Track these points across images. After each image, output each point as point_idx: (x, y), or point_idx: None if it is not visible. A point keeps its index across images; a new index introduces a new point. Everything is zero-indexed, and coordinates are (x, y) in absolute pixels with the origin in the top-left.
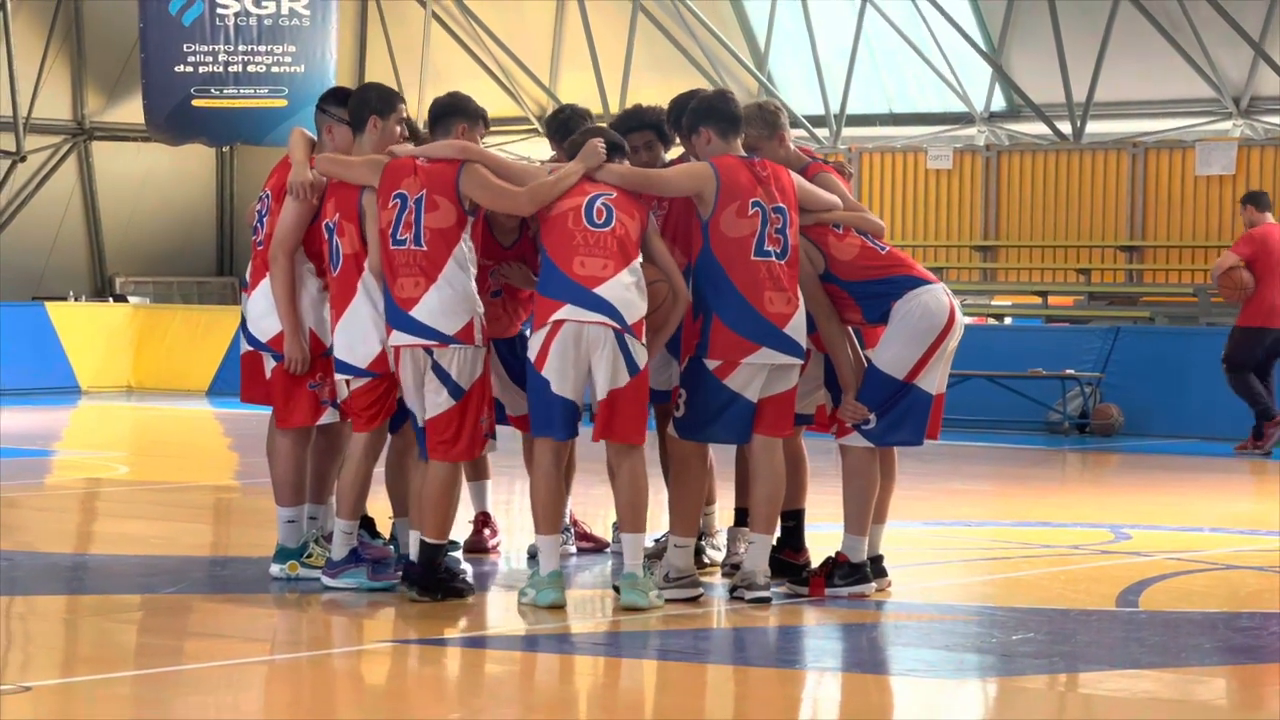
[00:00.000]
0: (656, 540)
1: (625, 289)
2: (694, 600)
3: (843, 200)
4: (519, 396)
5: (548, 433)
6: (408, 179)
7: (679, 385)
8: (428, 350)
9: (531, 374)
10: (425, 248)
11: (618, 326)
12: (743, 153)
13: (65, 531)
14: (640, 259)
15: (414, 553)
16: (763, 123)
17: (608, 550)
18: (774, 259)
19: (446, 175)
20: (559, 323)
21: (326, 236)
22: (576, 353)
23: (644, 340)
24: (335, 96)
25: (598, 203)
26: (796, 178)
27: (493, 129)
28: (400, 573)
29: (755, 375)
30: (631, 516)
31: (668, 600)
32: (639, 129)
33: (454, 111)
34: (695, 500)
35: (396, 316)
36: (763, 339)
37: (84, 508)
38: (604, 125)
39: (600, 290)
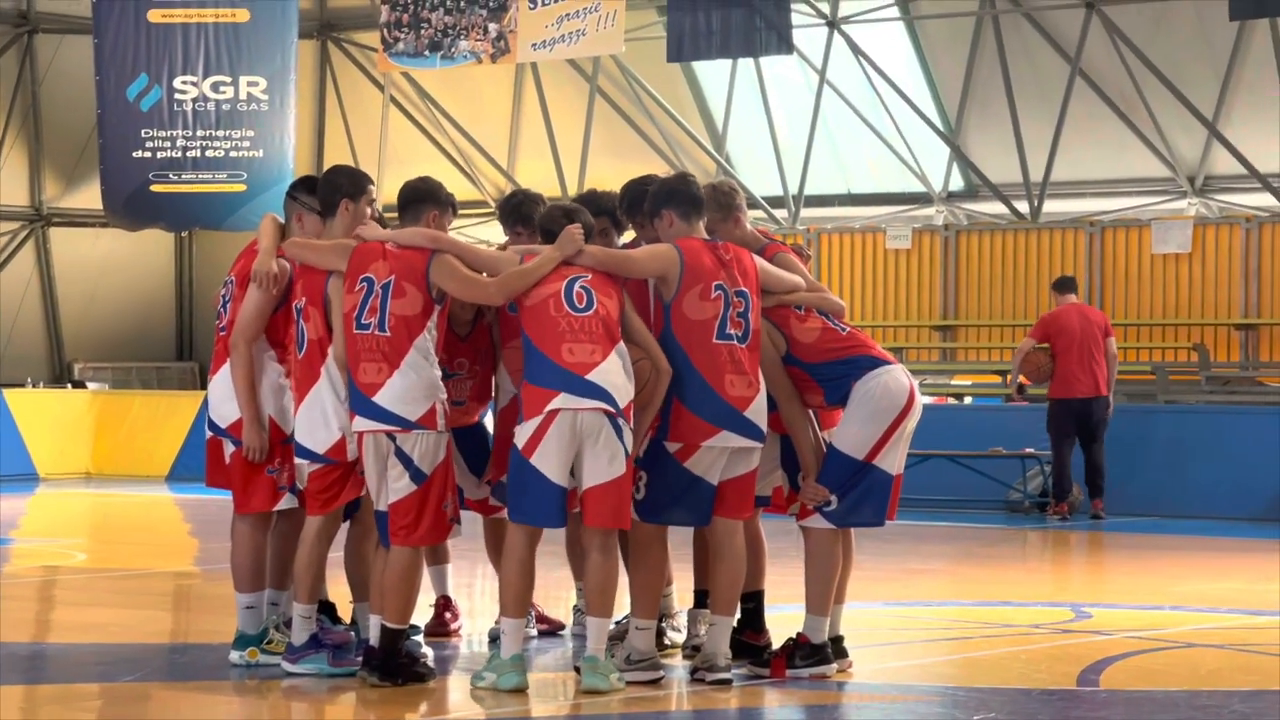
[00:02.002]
0: (617, 622)
1: (615, 373)
2: (655, 683)
3: (803, 281)
4: (475, 483)
5: (537, 520)
6: (376, 263)
7: (639, 467)
8: (390, 435)
9: (519, 461)
10: (389, 334)
11: (613, 411)
12: (705, 235)
13: (23, 620)
14: (622, 339)
15: (374, 638)
16: (716, 205)
17: (561, 633)
18: (735, 342)
19: (416, 263)
20: (554, 412)
21: (295, 318)
22: (571, 440)
23: (631, 422)
24: (306, 185)
25: (576, 286)
26: (759, 260)
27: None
28: (361, 658)
29: (716, 458)
30: (600, 601)
31: (629, 683)
32: (595, 215)
33: (426, 198)
34: (656, 582)
35: (359, 402)
36: (723, 422)
37: (41, 596)
38: (576, 205)
39: (593, 376)
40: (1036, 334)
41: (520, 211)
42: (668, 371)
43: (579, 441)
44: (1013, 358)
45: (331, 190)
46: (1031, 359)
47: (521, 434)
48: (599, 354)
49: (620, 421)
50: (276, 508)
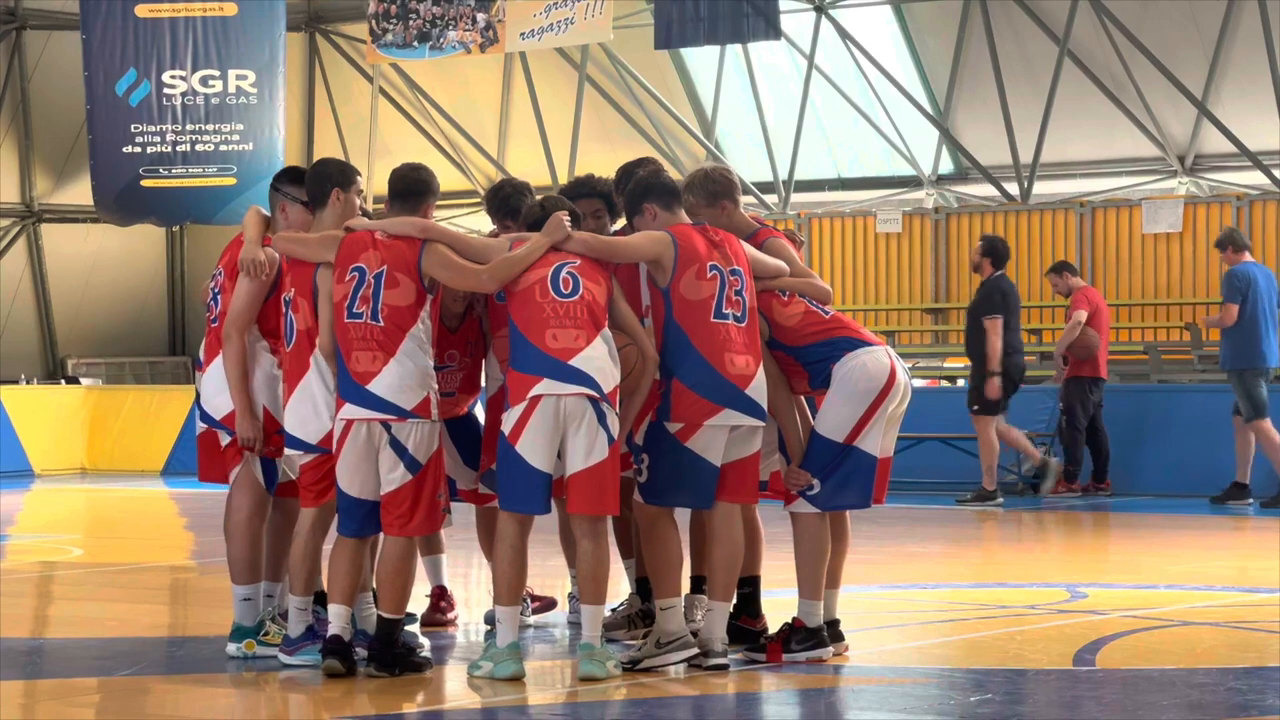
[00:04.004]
0: (613, 609)
1: (600, 359)
2: (691, 660)
3: (791, 266)
4: (469, 473)
5: (524, 507)
6: (366, 253)
7: (641, 450)
8: (385, 424)
9: (505, 449)
10: (382, 324)
11: (596, 396)
12: (688, 220)
13: (20, 616)
14: (608, 326)
15: (335, 627)
16: (702, 190)
17: (551, 613)
18: (733, 321)
19: (408, 253)
20: (537, 398)
21: (284, 310)
22: (554, 426)
23: (617, 408)
24: (290, 175)
25: (563, 272)
26: (745, 245)
27: (442, 203)
28: (321, 647)
29: (717, 437)
30: (593, 588)
31: (665, 665)
32: (588, 197)
33: (426, 192)
34: (671, 561)
35: (351, 390)
36: (725, 400)
37: (39, 591)
38: (557, 195)
39: (576, 361)
40: (1086, 306)
41: (509, 204)
42: (654, 358)
43: (563, 427)
44: (1067, 331)
45: (322, 180)
46: (1085, 338)
47: (507, 421)
48: (583, 339)
49: (604, 407)
50: (230, 470)
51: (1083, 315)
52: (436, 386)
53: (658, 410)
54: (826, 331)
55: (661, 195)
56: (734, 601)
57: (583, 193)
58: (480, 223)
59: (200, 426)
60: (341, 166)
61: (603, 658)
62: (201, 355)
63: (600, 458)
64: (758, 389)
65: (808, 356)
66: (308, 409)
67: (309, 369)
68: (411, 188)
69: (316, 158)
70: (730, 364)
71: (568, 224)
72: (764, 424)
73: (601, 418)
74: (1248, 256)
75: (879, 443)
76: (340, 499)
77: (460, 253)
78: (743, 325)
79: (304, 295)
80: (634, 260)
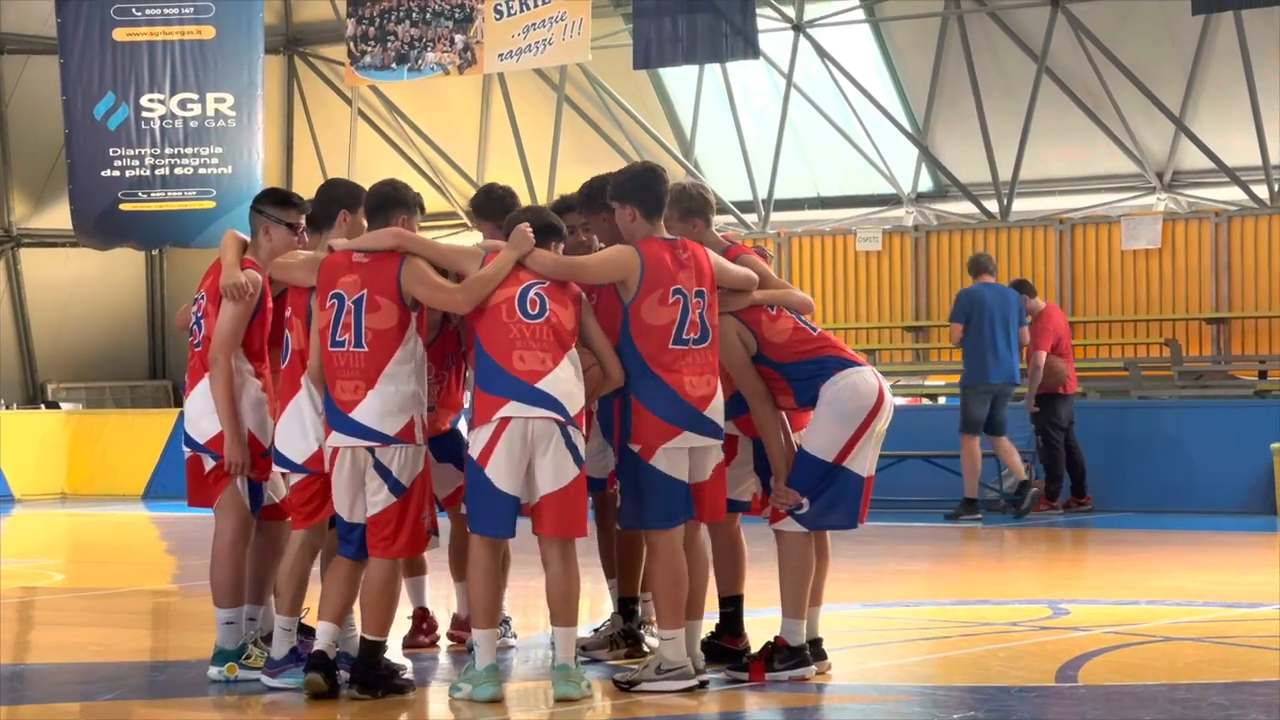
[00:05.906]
0: (596, 629)
1: (566, 382)
2: (691, 690)
3: (766, 280)
4: (450, 480)
5: (491, 531)
6: (345, 277)
7: (615, 473)
8: (369, 449)
9: (474, 471)
10: (366, 349)
11: (562, 420)
12: (665, 235)
13: (2, 642)
14: (575, 347)
15: (321, 643)
16: (677, 204)
17: (531, 638)
18: (692, 345)
19: (388, 274)
20: (505, 420)
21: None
22: (522, 449)
23: (584, 430)
24: (272, 197)
25: (531, 293)
26: (713, 256)
27: (421, 224)
28: (305, 666)
29: (678, 458)
30: (564, 609)
31: (658, 692)
32: (570, 212)
33: (394, 203)
34: (676, 586)
35: (336, 418)
36: (683, 423)
37: (20, 617)
38: (539, 206)
39: (543, 385)
40: (1048, 341)
41: (504, 205)
42: (618, 381)
43: (530, 450)
44: (1031, 378)
45: (329, 201)
46: (1052, 371)
47: (475, 442)
48: (550, 362)
49: (571, 430)
50: (214, 494)
51: (1041, 357)
52: (424, 409)
53: (621, 432)
54: (815, 350)
55: (649, 203)
56: (716, 621)
57: (571, 205)
58: (458, 242)
59: (186, 451)
60: (349, 188)
61: (577, 678)
62: (187, 379)
63: (567, 481)
64: (715, 409)
65: (795, 374)
66: (296, 429)
67: (300, 389)
68: (379, 202)
69: (296, 180)
70: (690, 386)
71: (531, 237)
72: (721, 442)
73: (569, 440)
74: (987, 279)
75: (866, 463)
76: (338, 523)
77: (436, 262)
78: (702, 347)
79: (299, 315)
80: (599, 282)
